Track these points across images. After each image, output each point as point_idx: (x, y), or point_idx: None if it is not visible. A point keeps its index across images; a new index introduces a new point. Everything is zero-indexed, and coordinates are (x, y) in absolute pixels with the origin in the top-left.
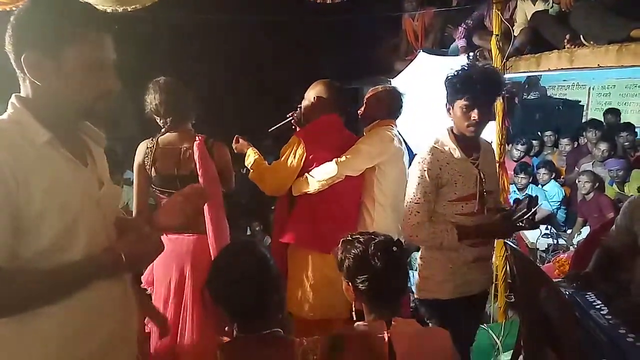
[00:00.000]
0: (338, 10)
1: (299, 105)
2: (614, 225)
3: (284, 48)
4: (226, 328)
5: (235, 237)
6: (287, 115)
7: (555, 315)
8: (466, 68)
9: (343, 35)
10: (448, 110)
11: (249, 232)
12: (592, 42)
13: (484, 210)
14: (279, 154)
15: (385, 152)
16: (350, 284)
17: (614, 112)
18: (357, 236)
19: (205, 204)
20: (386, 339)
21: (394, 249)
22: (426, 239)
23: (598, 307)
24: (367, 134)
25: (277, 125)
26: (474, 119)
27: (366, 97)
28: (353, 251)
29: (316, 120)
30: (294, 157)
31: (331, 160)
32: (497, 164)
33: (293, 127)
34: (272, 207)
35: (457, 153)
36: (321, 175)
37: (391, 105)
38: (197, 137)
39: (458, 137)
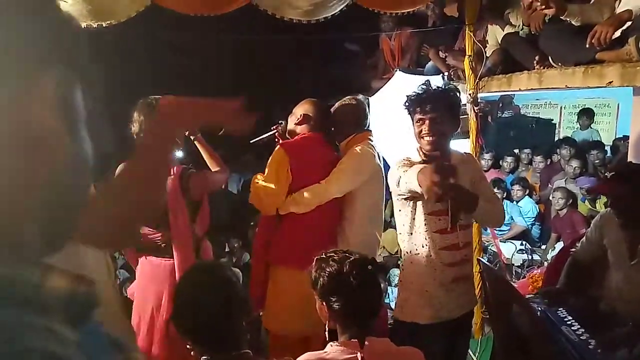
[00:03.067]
0: (317, 30)
1: (280, 121)
2: (583, 238)
3: (264, 67)
4: (192, 353)
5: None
6: (272, 128)
7: (527, 331)
8: (421, 89)
9: (323, 55)
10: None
11: (227, 249)
12: (559, 64)
13: (457, 228)
14: (260, 169)
15: (368, 172)
16: (324, 303)
17: (588, 113)
18: (332, 254)
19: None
20: (359, 358)
21: (369, 267)
22: None
23: (569, 322)
24: (349, 153)
25: (260, 137)
26: (425, 132)
27: (333, 112)
28: (328, 270)
29: (301, 136)
30: (283, 170)
31: (316, 178)
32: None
33: (276, 140)
34: (252, 224)
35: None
36: (309, 198)
37: (360, 116)
38: (173, 169)
39: (427, 156)
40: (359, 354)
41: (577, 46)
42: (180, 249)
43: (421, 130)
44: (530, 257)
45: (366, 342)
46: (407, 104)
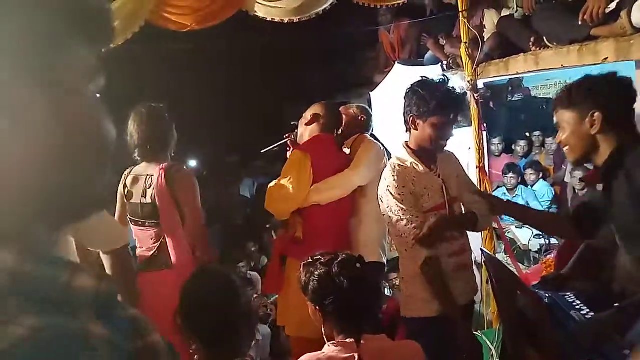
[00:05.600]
0: (316, 29)
1: (295, 128)
2: None
3: (270, 69)
4: (195, 357)
5: (228, 260)
6: (284, 136)
7: (533, 318)
8: (441, 87)
9: (325, 53)
10: (412, 122)
11: (246, 253)
12: (555, 43)
13: None
14: (272, 173)
15: (382, 163)
16: (317, 307)
17: None
18: (319, 257)
19: (167, 236)
20: (356, 358)
21: (357, 265)
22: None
23: (578, 307)
24: (365, 144)
25: (272, 146)
26: (445, 136)
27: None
28: (316, 273)
29: (314, 138)
30: (305, 171)
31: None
32: (477, 168)
33: (288, 148)
34: (267, 226)
35: (420, 167)
36: (333, 187)
37: (367, 122)
38: (161, 166)
39: (417, 152)
40: (355, 354)
41: (571, 24)
42: (176, 246)
43: (440, 135)
44: (547, 241)
45: (362, 340)
46: (433, 102)
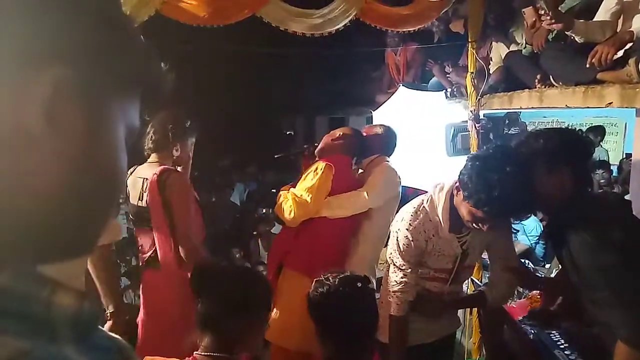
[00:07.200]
0: (323, 44)
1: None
2: None
3: (272, 77)
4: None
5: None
6: (304, 146)
7: (518, 354)
8: (497, 180)
9: (329, 68)
10: (456, 189)
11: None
12: (560, 83)
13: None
14: (265, 180)
15: (396, 188)
16: (318, 324)
17: (596, 130)
18: (328, 275)
19: (155, 237)
20: None
21: (359, 284)
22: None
23: (562, 346)
24: (381, 167)
25: (288, 154)
26: (478, 227)
27: (365, 133)
28: (320, 289)
29: (336, 155)
30: (326, 183)
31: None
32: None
33: (304, 156)
34: (254, 233)
35: (444, 231)
36: (350, 204)
37: (389, 143)
38: (157, 170)
39: (453, 209)
40: None
41: (578, 66)
42: (161, 246)
43: (472, 222)
44: None
45: None
46: (473, 191)
